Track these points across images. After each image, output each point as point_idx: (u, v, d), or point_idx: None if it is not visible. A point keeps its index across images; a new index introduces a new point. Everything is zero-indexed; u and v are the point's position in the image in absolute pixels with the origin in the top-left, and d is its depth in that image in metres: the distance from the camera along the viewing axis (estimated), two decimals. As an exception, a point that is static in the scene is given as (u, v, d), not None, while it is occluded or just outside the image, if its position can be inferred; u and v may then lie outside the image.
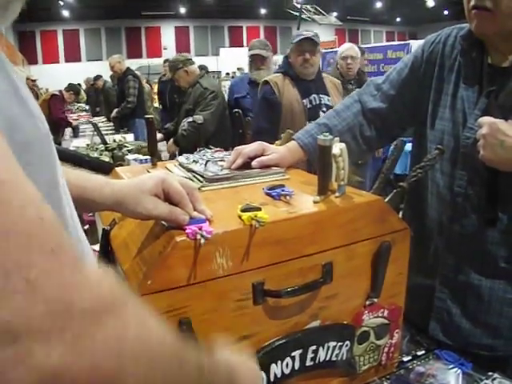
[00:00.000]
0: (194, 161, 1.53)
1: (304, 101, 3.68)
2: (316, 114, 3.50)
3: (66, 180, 0.91)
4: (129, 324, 0.49)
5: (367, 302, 1.24)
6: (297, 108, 3.66)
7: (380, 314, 1.27)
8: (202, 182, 1.35)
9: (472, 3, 1.40)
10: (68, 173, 1.03)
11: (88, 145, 5.17)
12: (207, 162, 1.48)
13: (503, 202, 1.46)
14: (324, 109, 3.63)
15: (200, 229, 0.96)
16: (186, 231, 0.97)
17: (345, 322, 1.22)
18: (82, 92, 13.22)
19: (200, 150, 1.68)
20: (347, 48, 5.39)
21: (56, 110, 7.21)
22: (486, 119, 1.36)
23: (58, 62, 24.92)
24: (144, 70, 14.08)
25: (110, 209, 1.08)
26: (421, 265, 1.33)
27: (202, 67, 12.23)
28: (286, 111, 3.67)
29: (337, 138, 1.21)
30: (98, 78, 12.06)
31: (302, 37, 3.72)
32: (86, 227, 3.02)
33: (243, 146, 1.53)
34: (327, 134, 1.20)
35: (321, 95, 3.75)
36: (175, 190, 1.03)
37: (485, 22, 1.41)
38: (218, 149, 1.70)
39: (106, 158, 4.23)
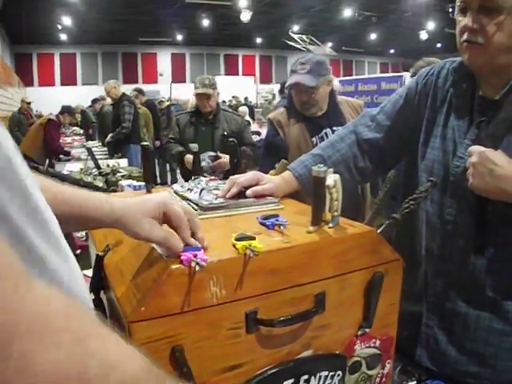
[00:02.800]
0: (188, 189, 1.54)
1: (314, 139, 3.09)
2: None
3: (64, 199, 0.93)
4: (76, 353, 0.46)
5: (359, 332, 1.24)
6: (305, 149, 2.78)
7: (372, 344, 1.27)
8: (196, 210, 1.36)
9: (464, 37, 1.45)
10: (66, 191, 1.03)
11: (82, 169, 5.17)
12: (202, 190, 1.49)
13: (491, 231, 1.48)
14: None
15: (195, 256, 0.97)
16: (181, 257, 0.98)
17: (337, 352, 1.22)
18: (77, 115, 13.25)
19: (195, 179, 1.69)
20: None
21: (51, 139, 7.21)
22: (476, 148, 1.39)
23: (53, 85, 24.96)
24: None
25: (109, 226, 1.07)
26: (409, 291, 1.34)
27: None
28: (293, 153, 2.95)
29: (331, 170, 1.23)
30: (96, 101, 12.10)
31: (292, 81, 3.07)
32: (78, 252, 3.01)
33: (238, 176, 1.54)
34: (321, 165, 1.22)
35: (335, 128, 3.02)
36: (175, 214, 1.03)
37: (476, 55, 1.46)
38: (212, 177, 1.71)
39: (99, 183, 4.23)
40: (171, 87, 10.70)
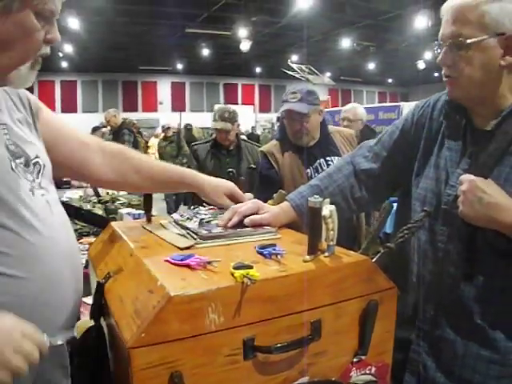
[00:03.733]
0: (188, 218, 1.57)
1: (308, 170, 3.14)
2: None
3: (164, 170, 1.69)
4: None
5: (355, 359, 1.26)
6: (299, 180, 2.95)
7: (368, 371, 1.29)
8: (196, 239, 1.39)
9: (443, 72, 1.56)
10: (163, 164, 1.75)
11: (81, 196, 5.17)
12: (201, 219, 1.52)
13: (481, 258, 1.50)
14: None
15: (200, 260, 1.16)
16: (192, 264, 1.15)
17: (333, 379, 1.23)
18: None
19: (194, 208, 1.72)
20: (346, 110, 5.39)
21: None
22: (467, 177, 1.43)
23: (54, 112, 24.98)
24: (141, 124, 14.07)
25: (194, 191, 1.70)
26: (399, 317, 1.36)
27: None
28: (288, 186, 2.92)
29: (327, 200, 1.26)
30: (96, 129, 12.10)
31: (285, 108, 3.15)
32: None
33: (239, 205, 1.58)
34: (317, 196, 1.25)
35: (328, 158, 3.17)
36: (238, 195, 1.69)
37: (453, 88, 1.55)
38: (211, 206, 1.73)
39: (98, 211, 4.24)
40: (181, 116, 10.64)
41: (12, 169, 1.15)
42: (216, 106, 4.68)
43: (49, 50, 1.18)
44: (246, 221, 1.52)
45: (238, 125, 4.58)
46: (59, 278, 1.18)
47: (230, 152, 4.53)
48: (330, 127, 3.46)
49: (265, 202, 1.82)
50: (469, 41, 1.43)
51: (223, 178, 1.77)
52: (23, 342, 0.93)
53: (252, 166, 4.14)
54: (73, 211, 2.35)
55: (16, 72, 1.13)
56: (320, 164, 3.16)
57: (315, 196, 1.25)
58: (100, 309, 1.23)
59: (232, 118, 4.42)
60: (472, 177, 1.42)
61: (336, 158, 3.16)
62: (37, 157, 1.27)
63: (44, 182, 1.27)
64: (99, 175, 1.59)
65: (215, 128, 4.48)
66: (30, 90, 1.35)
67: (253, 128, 21.25)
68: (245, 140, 4.80)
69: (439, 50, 1.55)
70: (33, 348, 0.94)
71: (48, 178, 1.30)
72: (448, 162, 1.59)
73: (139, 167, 1.63)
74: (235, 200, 1.66)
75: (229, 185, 1.71)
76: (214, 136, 4.64)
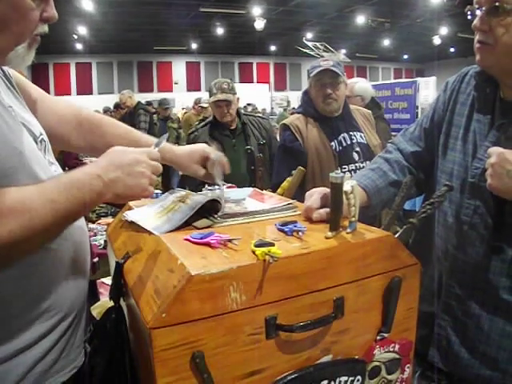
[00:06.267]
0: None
1: (332, 143, 3.13)
2: (348, 156, 3.11)
3: (120, 135, 1.57)
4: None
5: (378, 337, 1.25)
6: (324, 153, 3.10)
7: (391, 349, 1.28)
8: (215, 218, 1.37)
9: (476, 38, 1.49)
10: (119, 129, 1.61)
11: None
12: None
13: (507, 232, 1.48)
14: (357, 149, 3.14)
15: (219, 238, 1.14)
16: (212, 243, 1.13)
17: (356, 357, 1.22)
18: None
19: (210, 185, 1.65)
20: None
21: (69, 155, 7.15)
22: (495, 149, 1.40)
23: (69, 94, 24.90)
24: (156, 104, 14.01)
25: (166, 162, 1.52)
26: (424, 291, 1.34)
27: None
28: (312, 159, 3.11)
29: (348, 175, 1.24)
30: (107, 110, 12.07)
31: (321, 68, 3.11)
32: (96, 260, 3.03)
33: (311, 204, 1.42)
34: (338, 171, 1.22)
35: (352, 133, 3.19)
36: (211, 159, 1.59)
37: (485, 55, 1.49)
38: (229, 184, 1.69)
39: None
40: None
41: (38, 149, 1.21)
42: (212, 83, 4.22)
43: (46, 29, 1.15)
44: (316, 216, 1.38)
45: (238, 98, 4.15)
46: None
47: (234, 131, 4.09)
48: (350, 106, 3.44)
49: (288, 175, 1.78)
50: (509, 6, 1.38)
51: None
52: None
53: (262, 141, 4.00)
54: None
55: (13, 52, 1.12)
56: (344, 138, 3.15)
57: (336, 171, 1.23)
58: (119, 289, 1.22)
59: (232, 89, 4.05)
60: (501, 149, 1.38)
61: (359, 133, 3.19)
62: (41, 134, 1.30)
63: (52, 158, 1.32)
64: (72, 146, 1.61)
65: (215, 101, 4.03)
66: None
67: (263, 110, 21.11)
68: (246, 114, 4.31)
69: (475, 14, 1.49)
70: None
71: (51, 154, 1.35)
72: (477, 135, 1.57)
73: (111, 142, 1.56)
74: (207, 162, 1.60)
75: (202, 148, 1.64)
76: (211, 118, 4.23)
